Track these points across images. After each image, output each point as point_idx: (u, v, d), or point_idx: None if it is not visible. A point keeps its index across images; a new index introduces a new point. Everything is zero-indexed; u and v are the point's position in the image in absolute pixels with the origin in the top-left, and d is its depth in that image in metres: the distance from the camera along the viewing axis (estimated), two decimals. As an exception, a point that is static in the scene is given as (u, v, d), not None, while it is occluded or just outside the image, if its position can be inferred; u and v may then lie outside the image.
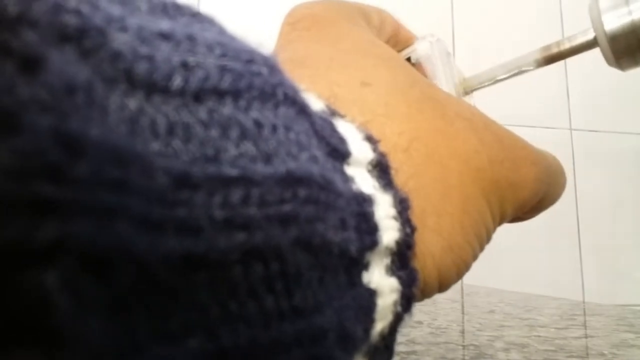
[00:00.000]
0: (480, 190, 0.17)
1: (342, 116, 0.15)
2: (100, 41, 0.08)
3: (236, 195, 0.09)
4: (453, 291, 0.40)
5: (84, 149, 0.07)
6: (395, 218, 0.14)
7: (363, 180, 0.14)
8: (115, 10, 0.09)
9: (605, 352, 0.31)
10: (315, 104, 0.14)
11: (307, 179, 0.11)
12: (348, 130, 0.14)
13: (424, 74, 0.24)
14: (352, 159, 0.14)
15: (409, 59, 0.24)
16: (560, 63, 1.24)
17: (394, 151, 0.16)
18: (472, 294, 0.60)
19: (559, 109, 1.15)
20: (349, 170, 0.13)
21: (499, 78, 0.25)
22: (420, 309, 0.42)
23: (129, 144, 0.08)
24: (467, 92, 0.26)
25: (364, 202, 0.13)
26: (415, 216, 0.15)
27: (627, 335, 0.37)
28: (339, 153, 0.13)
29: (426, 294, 0.16)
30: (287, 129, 0.11)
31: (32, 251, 0.07)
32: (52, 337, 0.07)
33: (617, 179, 1.15)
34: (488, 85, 0.26)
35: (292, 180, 0.10)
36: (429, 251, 0.15)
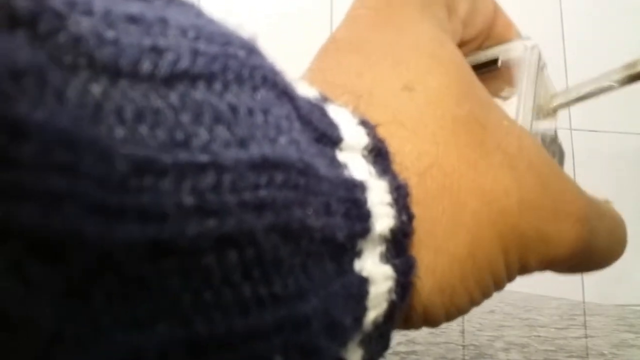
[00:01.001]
0: (498, 235, 0.15)
1: (333, 102, 0.14)
2: (56, 25, 0.08)
3: (207, 181, 0.09)
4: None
5: (27, 132, 0.07)
6: (390, 205, 0.13)
7: (357, 166, 0.13)
8: None
9: (605, 352, 0.31)
10: (306, 90, 0.14)
11: (285, 163, 0.11)
12: (341, 115, 0.14)
13: (509, 79, 0.21)
14: (344, 145, 0.13)
15: (496, 60, 0.22)
16: (560, 63, 1.22)
17: (407, 172, 0.14)
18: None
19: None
20: (341, 156, 0.13)
21: (582, 96, 0.23)
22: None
23: (81, 129, 0.08)
24: (549, 111, 0.23)
25: (354, 188, 0.13)
26: (412, 248, 0.14)
27: (627, 335, 0.37)
28: (329, 138, 0.13)
29: (410, 325, 0.16)
30: (265, 112, 0.11)
31: None
32: (0, 321, 0.07)
33: (617, 179, 1.15)
34: (570, 105, 0.23)
35: (267, 165, 0.10)
36: (415, 287, 0.14)
